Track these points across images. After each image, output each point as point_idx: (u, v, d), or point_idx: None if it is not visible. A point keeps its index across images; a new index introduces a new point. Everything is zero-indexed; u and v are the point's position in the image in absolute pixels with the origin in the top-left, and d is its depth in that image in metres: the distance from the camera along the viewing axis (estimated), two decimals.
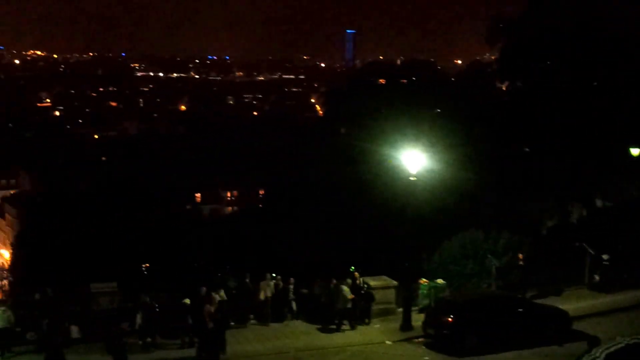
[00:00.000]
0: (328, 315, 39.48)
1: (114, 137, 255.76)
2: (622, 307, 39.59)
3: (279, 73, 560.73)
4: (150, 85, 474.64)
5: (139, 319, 35.40)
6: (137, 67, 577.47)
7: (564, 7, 56.72)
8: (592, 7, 56.57)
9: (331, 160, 66.12)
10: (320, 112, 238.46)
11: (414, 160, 38.49)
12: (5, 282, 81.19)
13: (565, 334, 34.24)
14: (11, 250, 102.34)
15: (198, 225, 75.95)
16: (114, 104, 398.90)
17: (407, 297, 38.75)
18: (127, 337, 32.85)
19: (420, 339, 36.58)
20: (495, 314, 34.55)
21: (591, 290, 43.23)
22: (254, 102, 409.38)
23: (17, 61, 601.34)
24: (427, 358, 34.29)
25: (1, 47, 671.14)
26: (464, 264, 44.11)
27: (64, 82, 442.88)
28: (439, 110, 66.73)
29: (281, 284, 40.74)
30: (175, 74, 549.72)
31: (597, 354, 19.77)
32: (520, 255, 42.56)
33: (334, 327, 38.93)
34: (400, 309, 39.46)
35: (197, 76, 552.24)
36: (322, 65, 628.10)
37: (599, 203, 58.07)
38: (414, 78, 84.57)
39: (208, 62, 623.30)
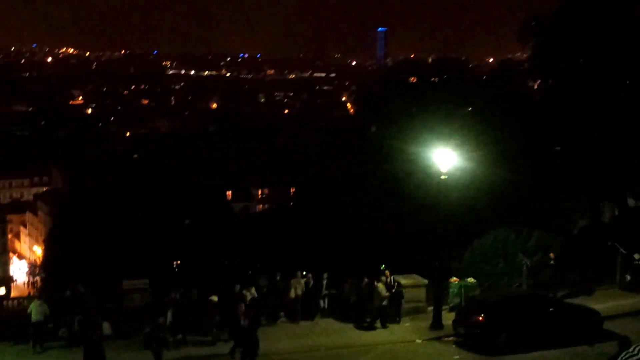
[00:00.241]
0: (359, 313, 39.54)
1: (145, 135, 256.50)
2: None
3: (310, 71, 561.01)
4: (182, 83, 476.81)
5: (169, 315, 35.62)
6: (168, 65, 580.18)
7: (598, 5, 56.35)
8: (627, 5, 56.13)
9: (362, 158, 66.13)
10: (351, 110, 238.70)
11: (445, 158, 38.47)
12: (38, 278, 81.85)
13: (596, 334, 34.09)
14: (44, 247, 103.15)
15: (229, 223, 76.08)
16: (145, 102, 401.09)
17: (437, 295, 38.70)
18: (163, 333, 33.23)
19: (450, 338, 36.54)
20: (526, 313, 34.42)
21: (622, 290, 43.01)
22: (285, 100, 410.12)
23: (49, 59, 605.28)
24: (457, 357, 34.28)
25: (34, 45, 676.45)
26: (494, 263, 44.08)
27: (95, 80, 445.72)
28: (470, 109, 66.57)
29: (312, 281, 40.85)
30: (206, 72, 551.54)
31: (635, 352, 19.52)
32: (552, 255, 42.43)
33: (365, 325, 38.99)
34: (431, 308, 39.38)
35: (228, 74, 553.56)
36: (353, 63, 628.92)
37: (631, 202, 57.73)
38: (445, 76, 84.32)
39: (239, 60, 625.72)
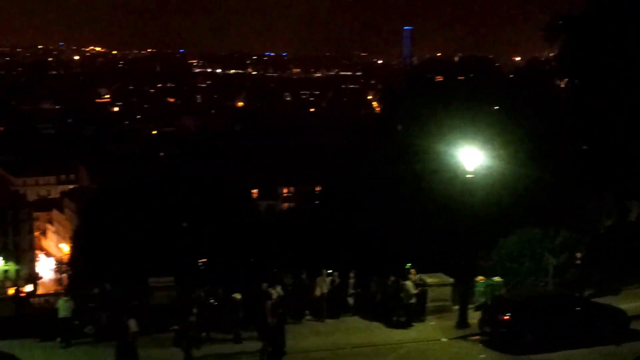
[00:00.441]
0: (385, 312, 39.57)
1: (172, 133, 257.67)
2: None
3: (336, 70, 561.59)
4: (208, 82, 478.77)
5: (194, 313, 35.75)
6: (195, 64, 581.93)
7: (628, 4, 56.05)
8: None
9: (388, 157, 65.99)
10: (377, 109, 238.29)
11: (471, 157, 38.45)
12: (64, 275, 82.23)
13: (622, 333, 34.02)
14: (70, 245, 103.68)
15: (254, 220, 76.22)
16: (171, 100, 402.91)
17: (463, 294, 38.69)
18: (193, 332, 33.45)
19: (476, 337, 36.55)
20: (553, 313, 34.37)
21: None
22: (311, 99, 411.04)
23: (76, 57, 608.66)
24: (483, 356, 34.27)
25: (61, 44, 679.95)
26: (521, 262, 43.97)
27: (122, 79, 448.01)
28: (496, 108, 66.37)
29: (337, 280, 40.89)
30: (232, 71, 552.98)
31: None
32: (578, 254, 42.32)
33: (394, 321, 39.01)
34: (456, 307, 39.40)
35: (254, 72, 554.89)
36: (379, 61, 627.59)
37: None
38: (471, 75, 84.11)
39: (265, 58, 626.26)
